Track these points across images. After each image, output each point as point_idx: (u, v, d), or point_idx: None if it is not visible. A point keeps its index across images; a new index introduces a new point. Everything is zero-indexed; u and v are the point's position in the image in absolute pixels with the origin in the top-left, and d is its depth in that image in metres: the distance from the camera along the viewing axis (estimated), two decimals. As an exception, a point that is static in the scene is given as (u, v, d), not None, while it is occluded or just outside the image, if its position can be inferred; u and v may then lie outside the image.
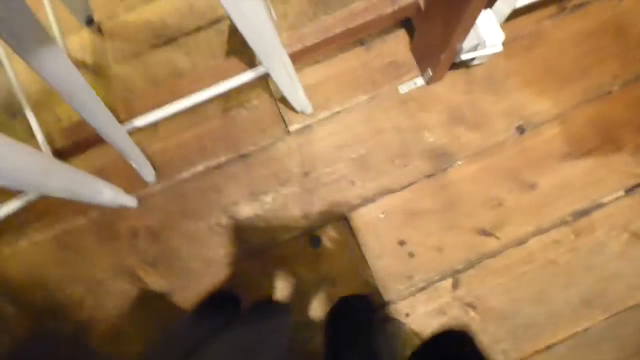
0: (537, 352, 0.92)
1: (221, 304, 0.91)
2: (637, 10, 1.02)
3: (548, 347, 0.92)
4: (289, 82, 0.87)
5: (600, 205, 0.95)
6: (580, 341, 0.92)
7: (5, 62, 0.87)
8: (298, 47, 0.90)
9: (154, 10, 1.11)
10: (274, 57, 0.77)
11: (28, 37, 0.52)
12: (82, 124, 0.95)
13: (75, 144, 0.95)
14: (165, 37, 1.09)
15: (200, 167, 1.00)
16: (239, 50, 1.04)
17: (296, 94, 0.92)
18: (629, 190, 0.95)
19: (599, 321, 0.92)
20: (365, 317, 0.85)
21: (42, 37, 0.54)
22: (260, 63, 0.88)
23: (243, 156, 1.00)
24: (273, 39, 0.72)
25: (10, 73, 0.86)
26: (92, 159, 1.02)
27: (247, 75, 0.84)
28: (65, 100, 0.65)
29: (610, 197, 0.95)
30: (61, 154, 0.95)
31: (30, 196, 0.87)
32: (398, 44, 1.01)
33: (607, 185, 0.96)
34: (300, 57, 0.92)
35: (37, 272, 1.00)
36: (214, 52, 1.06)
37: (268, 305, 0.90)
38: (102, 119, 0.75)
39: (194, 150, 1.01)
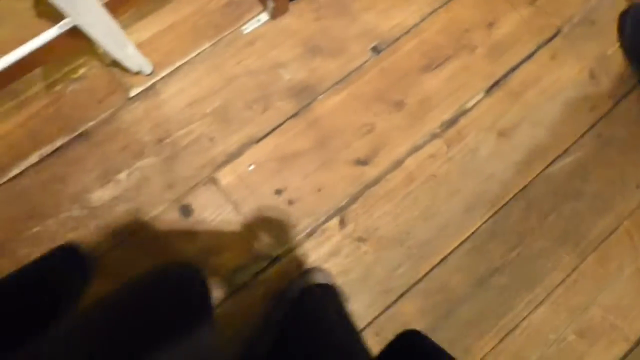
0: (434, 267, 0.91)
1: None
2: None
3: (442, 260, 0.92)
4: (110, 36, 0.75)
5: (465, 111, 0.95)
6: (469, 245, 0.93)
7: None
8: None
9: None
10: (81, 5, 0.64)
11: None
12: None
13: None
14: (-42, 17, 0.90)
15: (34, 158, 0.86)
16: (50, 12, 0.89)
17: (125, 52, 0.80)
18: (488, 90, 0.96)
19: (482, 223, 0.94)
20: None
21: None
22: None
23: (83, 135, 0.87)
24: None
25: None
26: None
27: (49, 34, 0.70)
28: None
29: (472, 101, 0.96)
30: None
31: None
32: (232, -20, 0.92)
33: (468, 90, 0.96)
34: (119, 5, 0.80)
35: None
36: (24, 22, 0.90)
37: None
38: None
39: (21, 140, 0.86)
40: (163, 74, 0.89)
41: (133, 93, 0.88)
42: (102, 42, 0.75)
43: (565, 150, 0.97)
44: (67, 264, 0.75)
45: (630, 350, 0.94)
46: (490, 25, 0.97)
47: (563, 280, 0.94)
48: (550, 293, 0.94)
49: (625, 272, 0.96)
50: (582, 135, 0.97)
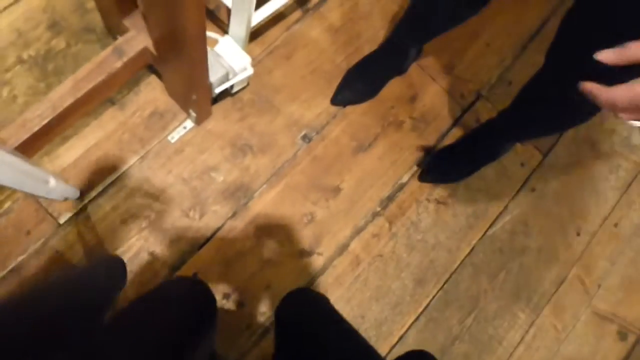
0: (393, 346, 0.91)
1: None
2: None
3: (400, 338, 0.91)
4: (27, 180, 0.73)
5: (401, 186, 0.97)
6: (425, 318, 0.92)
7: None
8: (23, 136, 0.76)
9: None
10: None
11: None
12: None
13: None
14: None
15: (-35, 304, 0.82)
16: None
17: (47, 187, 0.79)
18: (420, 163, 0.98)
19: (435, 293, 0.94)
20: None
21: None
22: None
23: (14, 270, 0.84)
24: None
25: None
26: None
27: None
28: None
29: (407, 175, 0.97)
30: None
31: None
32: (153, 91, 0.92)
33: (401, 165, 0.98)
34: (33, 145, 0.78)
35: None
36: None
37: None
38: None
39: (-50, 287, 0.83)
40: (93, 194, 0.88)
41: (63, 219, 0.86)
42: (19, 189, 0.74)
43: (504, 209, 0.99)
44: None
45: (599, 398, 0.95)
46: (413, 99, 1.00)
47: (522, 338, 0.95)
48: (512, 353, 0.94)
49: (581, 319, 0.98)
50: (517, 192, 1.00)
